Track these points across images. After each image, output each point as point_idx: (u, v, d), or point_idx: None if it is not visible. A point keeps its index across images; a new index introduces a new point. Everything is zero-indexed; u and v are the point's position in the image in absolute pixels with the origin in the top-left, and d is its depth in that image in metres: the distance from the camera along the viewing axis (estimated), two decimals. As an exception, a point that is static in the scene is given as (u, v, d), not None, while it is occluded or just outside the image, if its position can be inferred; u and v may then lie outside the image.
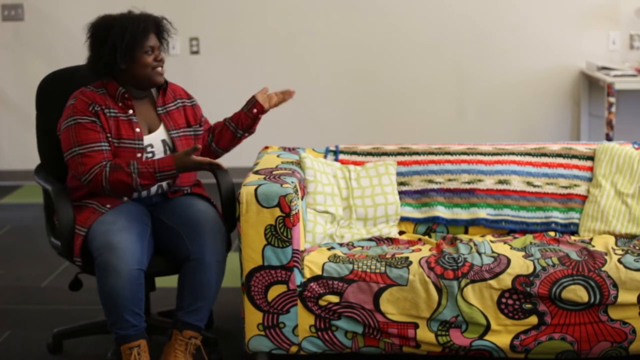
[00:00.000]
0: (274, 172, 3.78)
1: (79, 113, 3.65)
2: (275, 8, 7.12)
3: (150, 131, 3.79)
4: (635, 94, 6.97)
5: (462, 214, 4.12)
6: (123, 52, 3.65)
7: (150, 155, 3.74)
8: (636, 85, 6.50)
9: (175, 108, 3.89)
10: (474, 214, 4.11)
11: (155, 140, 3.78)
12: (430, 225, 4.14)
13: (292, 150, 4.30)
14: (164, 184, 3.81)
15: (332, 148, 4.34)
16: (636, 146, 4.25)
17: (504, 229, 4.10)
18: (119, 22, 3.68)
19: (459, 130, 7.17)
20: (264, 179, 3.66)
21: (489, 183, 4.14)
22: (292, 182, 3.64)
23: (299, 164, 4.03)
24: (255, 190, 3.54)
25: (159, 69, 3.75)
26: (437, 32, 7.10)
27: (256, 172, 3.80)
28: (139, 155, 3.68)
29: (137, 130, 3.72)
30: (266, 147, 4.35)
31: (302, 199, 3.78)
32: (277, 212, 3.52)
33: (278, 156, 4.14)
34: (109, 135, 3.66)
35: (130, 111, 3.73)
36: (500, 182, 4.15)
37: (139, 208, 3.77)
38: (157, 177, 3.57)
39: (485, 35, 7.07)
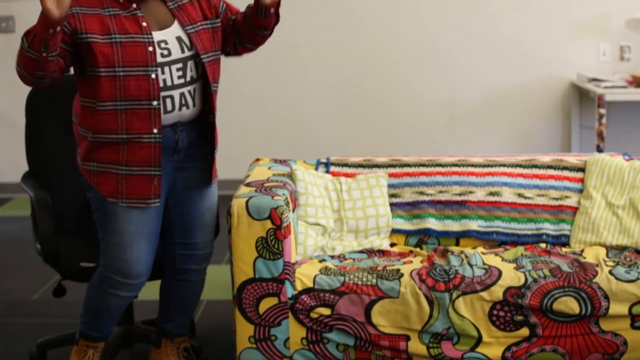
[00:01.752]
0: (265, 185, 3.77)
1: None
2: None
3: (161, 29, 3.40)
4: (625, 106, 6.99)
5: (454, 226, 4.12)
6: None
7: (165, 52, 3.35)
8: (626, 97, 6.52)
9: (188, 1, 3.49)
10: (465, 225, 4.11)
11: (169, 37, 3.39)
12: (422, 237, 4.14)
13: (283, 162, 4.29)
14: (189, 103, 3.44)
15: (323, 160, 4.34)
16: (627, 157, 4.25)
17: (495, 241, 4.10)
18: None
19: (450, 142, 7.18)
20: (255, 191, 3.65)
21: (480, 195, 4.14)
22: (284, 194, 3.64)
23: (290, 176, 4.02)
24: (247, 202, 3.53)
25: None
26: (428, 44, 7.11)
27: (247, 185, 3.79)
28: (150, 49, 3.31)
29: (144, 24, 3.34)
30: (257, 160, 4.34)
31: (293, 211, 3.77)
32: (268, 224, 3.51)
33: (269, 168, 4.13)
34: (79, 35, 3.25)
35: (134, 5, 3.35)
36: (491, 193, 4.15)
37: (158, 208, 3.49)
38: (38, 36, 3.07)
39: (475, 47, 7.08)
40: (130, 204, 3.39)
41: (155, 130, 3.34)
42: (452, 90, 7.16)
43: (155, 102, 3.32)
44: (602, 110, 6.38)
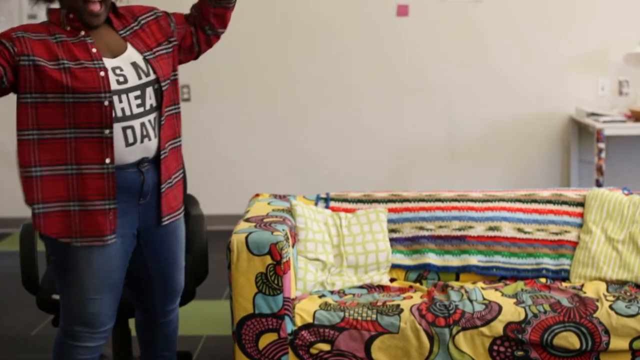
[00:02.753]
0: (265, 220, 3.77)
1: None
2: (264, 56, 7.15)
3: (114, 56, 3.19)
4: (624, 140, 7.00)
5: (453, 261, 4.12)
6: None
7: (121, 79, 3.13)
8: (625, 131, 6.53)
9: (139, 28, 3.30)
10: (465, 260, 4.11)
11: (124, 63, 3.17)
12: (422, 272, 4.14)
13: (282, 197, 4.30)
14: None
15: (323, 195, 4.34)
16: (626, 192, 4.26)
17: (495, 276, 4.10)
18: None
19: (449, 177, 7.18)
20: (255, 226, 3.65)
21: (479, 230, 4.14)
22: (283, 229, 3.64)
23: (289, 211, 4.03)
24: (246, 238, 3.53)
25: (93, 6, 3.14)
26: (427, 80, 7.14)
27: (247, 220, 3.79)
28: (102, 74, 3.08)
29: (94, 50, 3.13)
30: (257, 195, 4.35)
31: (293, 247, 3.77)
32: (268, 259, 3.51)
33: (269, 204, 4.13)
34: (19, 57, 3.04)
35: (82, 32, 3.15)
36: (491, 228, 4.15)
37: (122, 253, 3.25)
38: None
39: (474, 82, 7.11)
40: (85, 242, 3.14)
41: (107, 161, 3.11)
42: (452, 125, 7.17)
43: (107, 131, 3.09)
44: (601, 145, 6.39)
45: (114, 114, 3.10)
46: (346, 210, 4.24)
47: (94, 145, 3.09)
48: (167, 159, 3.30)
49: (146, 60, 3.22)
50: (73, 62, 3.07)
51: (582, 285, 3.93)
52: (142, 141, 3.18)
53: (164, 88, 3.25)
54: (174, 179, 3.37)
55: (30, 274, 3.78)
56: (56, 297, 3.68)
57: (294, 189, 6.76)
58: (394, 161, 7.24)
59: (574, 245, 4.13)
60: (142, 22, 3.32)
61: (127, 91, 3.14)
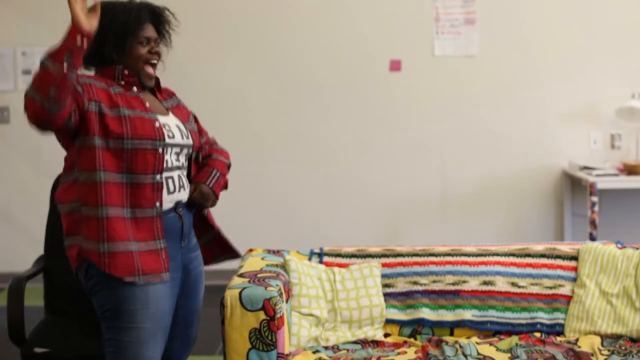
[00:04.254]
0: (259, 275, 3.77)
1: None
2: (256, 111, 7.18)
3: (162, 115, 3.42)
4: (617, 193, 7.02)
5: (447, 316, 4.11)
6: (112, 42, 3.32)
7: (170, 134, 3.33)
8: (618, 185, 6.55)
9: (175, 105, 3.57)
10: (459, 315, 4.10)
11: (170, 122, 3.40)
12: (416, 327, 4.12)
13: (276, 252, 4.29)
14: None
15: (317, 250, 4.34)
16: (619, 245, 4.26)
17: (490, 330, 4.09)
18: (111, 8, 3.32)
19: (443, 231, 7.18)
20: (249, 282, 3.65)
21: (473, 284, 4.14)
22: (277, 285, 3.63)
23: (283, 266, 4.02)
24: (240, 293, 3.53)
25: (153, 62, 3.40)
26: (419, 135, 7.17)
27: (240, 275, 3.79)
28: (157, 125, 3.29)
29: (147, 104, 3.35)
30: (250, 250, 4.35)
31: (286, 302, 3.76)
32: (262, 315, 3.50)
33: (262, 259, 4.13)
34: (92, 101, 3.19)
35: (135, 88, 3.36)
36: (485, 283, 4.14)
37: (171, 297, 3.35)
38: (64, 45, 2.97)
39: (467, 137, 7.14)
40: (146, 280, 3.22)
41: (157, 204, 3.28)
42: (445, 179, 7.19)
43: (158, 177, 3.28)
44: (594, 198, 6.41)
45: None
46: (340, 265, 4.23)
47: (147, 190, 3.26)
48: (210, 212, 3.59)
49: (186, 128, 3.46)
50: (131, 111, 3.26)
51: (577, 340, 3.92)
52: (179, 191, 3.39)
53: (193, 157, 3.55)
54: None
55: (17, 327, 3.81)
56: (39, 350, 3.78)
57: (287, 244, 6.76)
58: (387, 216, 7.24)
59: (568, 299, 4.12)
60: (175, 102, 3.58)
61: (172, 146, 3.36)
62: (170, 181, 3.35)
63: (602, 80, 7.04)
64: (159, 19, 3.45)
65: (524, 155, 7.14)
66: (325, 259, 4.28)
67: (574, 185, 7.07)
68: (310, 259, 4.28)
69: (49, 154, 6.82)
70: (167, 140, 3.31)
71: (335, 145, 7.21)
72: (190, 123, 3.53)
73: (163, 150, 3.29)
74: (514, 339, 3.93)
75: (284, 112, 7.18)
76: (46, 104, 2.96)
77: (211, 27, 6.99)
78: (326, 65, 7.13)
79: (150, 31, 3.38)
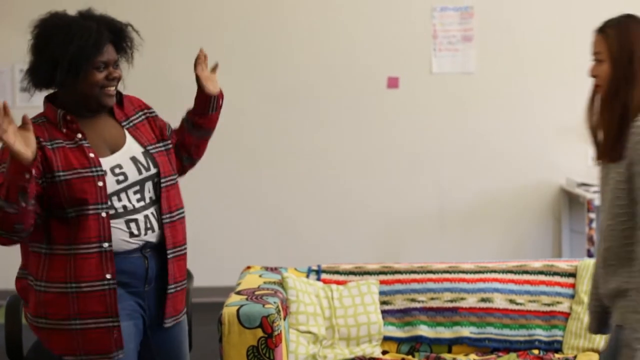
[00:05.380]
0: (256, 293, 3.77)
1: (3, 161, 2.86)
2: (254, 129, 7.18)
3: (113, 151, 3.06)
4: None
5: (445, 333, 4.10)
6: (65, 68, 2.94)
7: (121, 177, 3.00)
8: (616, 201, 6.55)
9: (139, 121, 3.19)
10: (457, 332, 4.10)
11: (124, 159, 3.04)
12: (414, 344, 4.12)
13: (274, 270, 4.29)
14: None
15: (314, 267, 4.34)
16: (617, 263, 4.26)
17: (488, 347, 4.08)
18: (65, 27, 2.99)
19: (440, 248, 7.18)
20: (246, 299, 3.64)
21: (471, 301, 4.14)
22: (275, 302, 3.63)
23: (281, 283, 4.02)
24: (237, 310, 3.52)
25: (110, 89, 3.03)
26: (418, 150, 7.17)
27: (238, 293, 3.78)
28: (100, 184, 2.93)
29: (91, 155, 2.97)
30: (248, 267, 4.35)
31: (284, 319, 3.76)
32: (260, 332, 3.50)
33: (260, 276, 4.13)
34: (52, 172, 2.92)
35: (79, 135, 3.00)
36: (483, 300, 4.14)
37: (134, 336, 3.07)
38: (7, 176, 2.75)
39: (465, 152, 7.14)
40: None
41: (108, 276, 2.95)
42: (442, 196, 7.19)
43: (106, 244, 2.95)
44: (592, 215, 6.41)
45: (114, 211, 2.98)
46: (338, 282, 4.23)
47: (92, 261, 2.94)
48: (174, 260, 3.15)
49: (147, 154, 3.11)
50: (69, 172, 2.93)
51: (575, 357, 3.92)
52: (145, 233, 3.05)
53: (162, 185, 3.12)
54: (180, 284, 3.19)
55: (14, 344, 3.80)
56: None
57: (284, 261, 6.74)
58: (385, 232, 7.24)
59: (566, 316, 4.12)
60: (142, 117, 3.21)
61: (127, 189, 3.03)
62: (132, 224, 3.02)
63: (599, 97, 7.04)
64: (119, 36, 3.09)
65: (522, 171, 7.13)
66: (323, 276, 4.28)
67: (571, 202, 7.07)
68: (308, 276, 4.28)
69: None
70: (117, 187, 3.00)
71: (333, 161, 7.21)
72: (155, 144, 3.17)
73: (108, 212, 2.95)
74: (512, 356, 3.92)
75: (282, 128, 7.19)
76: (15, 237, 2.88)
77: (207, 41, 6.99)
78: (324, 82, 7.14)
79: (108, 54, 3.03)
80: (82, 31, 2.96)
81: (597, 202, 6.41)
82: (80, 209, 2.92)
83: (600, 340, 3.96)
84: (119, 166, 3.02)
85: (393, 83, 7.08)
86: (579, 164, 7.09)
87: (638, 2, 7.03)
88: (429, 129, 7.16)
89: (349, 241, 7.22)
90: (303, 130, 7.18)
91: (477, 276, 4.21)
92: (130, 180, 3.03)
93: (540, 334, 4.08)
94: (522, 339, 4.07)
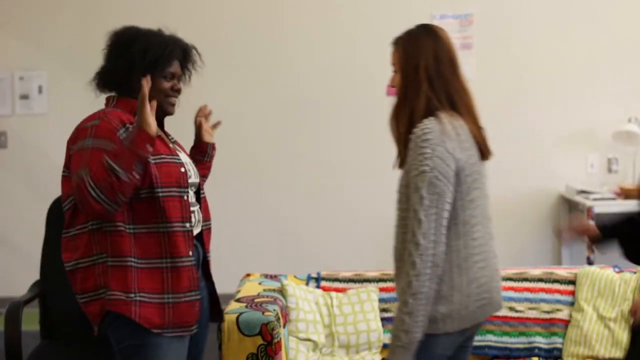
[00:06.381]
0: (256, 300, 3.76)
1: (101, 137, 3.06)
2: (253, 135, 7.19)
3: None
4: (614, 217, 7.01)
5: (445, 340, 4.09)
6: (140, 71, 3.21)
7: (190, 173, 3.28)
8: (615, 208, 6.54)
9: (174, 140, 3.45)
10: (457, 340, 4.09)
11: (187, 160, 3.35)
12: (413, 351, 4.11)
13: (273, 277, 4.29)
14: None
15: (314, 275, 4.34)
16: (617, 270, 4.26)
17: (487, 355, 4.08)
18: (144, 37, 3.28)
19: (440, 255, 7.17)
20: (246, 306, 3.64)
21: (471, 309, 4.13)
22: (274, 309, 3.63)
23: (280, 291, 4.02)
24: (237, 318, 3.52)
25: (173, 99, 3.33)
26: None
27: (238, 300, 3.78)
28: (182, 170, 3.20)
29: (171, 145, 3.30)
30: (248, 275, 4.35)
31: (284, 327, 3.75)
32: (259, 340, 3.49)
33: (260, 284, 4.13)
34: None
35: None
36: (483, 307, 4.13)
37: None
38: (129, 145, 2.98)
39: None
40: (174, 333, 3.12)
41: (190, 253, 3.17)
42: (442, 203, 7.18)
43: (188, 224, 3.18)
44: (592, 222, 6.40)
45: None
46: (337, 290, 4.23)
47: (180, 238, 3.15)
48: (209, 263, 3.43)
49: (192, 164, 3.39)
50: (156, 157, 3.13)
51: (575, 364, 3.92)
52: (196, 225, 3.29)
53: (201, 195, 3.39)
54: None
55: (14, 350, 3.80)
56: None
57: (284, 268, 6.73)
58: (386, 239, 7.20)
59: (566, 323, 4.12)
60: (173, 137, 3.44)
61: (192, 185, 3.28)
62: (193, 216, 3.26)
63: (598, 104, 7.04)
64: (185, 57, 3.41)
65: (521, 179, 7.13)
66: (323, 283, 4.28)
67: (571, 209, 7.06)
68: (307, 284, 4.28)
69: (46, 178, 6.81)
70: (189, 181, 3.25)
71: (333, 168, 7.20)
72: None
73: (187, 196, 3.21)
74: (512, 363, 3.92)
75: (281, 135, 7.19)
76: (114, 207, 2.99)
77: (207, 49, 7.00)
78: (324, 89, 7.14)
79: (176, 67, 3.34)
80: (160, 43, 3.27)
81: (597, 209, 6.42)
82: (169, 190, 3.14)
83: (600, 348, 3.96)
84: (187, 163, 3.30)
85: (393, 91, 7.08)
86: (578, 171, 7.09)
87: (633, 9, 7.05)
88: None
89: (349, 248, 7.21)
90: (303, 137, 7.18)
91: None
92: (193, 179, 3.30)
93: (540, 341, 4.08)
94: (521, 346, 4.07)
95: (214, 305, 3.39)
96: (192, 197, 3.27)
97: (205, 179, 3.67)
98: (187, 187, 3.20)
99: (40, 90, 7.07)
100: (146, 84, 3.03)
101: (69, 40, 7.04)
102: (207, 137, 3.69)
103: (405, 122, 2.97)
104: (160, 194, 3.11)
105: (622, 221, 3.42)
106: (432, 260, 2.81)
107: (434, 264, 2.80)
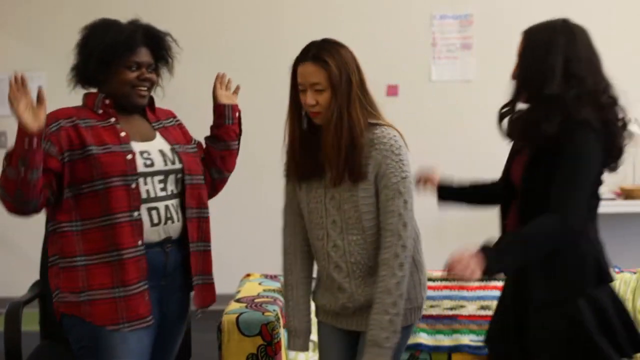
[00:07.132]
0: (256, 300, 3.76)
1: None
2: (251, 134, 7.18)
3: (144, 141, 3.28)
4: (615, 218, 7.01)
5: (445, 341, 4.10)
6: (97, 62, 3.19)
7: (148, 162, 3.20)
8: (616, 209, 6.54)
9: (171, 125, 3.44)
10: (457, 340, 4.09)
11: (152, 149, 3.26)
12: (413, 352, 4.11)
13: (273, 277, 4.28)
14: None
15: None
16: (617, 270, 4.26)
17: (486, 355, 4.07)
18: (106, 27, 3.25)
19: (439, 256, 7.15)
20: (246, 307, 3.64)
21: (471, 309, 4.13)
22: (274, 310, 3.62)
23: (280, 291, 4.01)
24: (237, 318, 3.52)
25: (142, 89, 3.26)
26: (416, 157, 7.11)
27: (238, 300, 3.78)
28: (129, 157, 3.14)
29: (122, 134, 3.19)
30: (248, 275, 4.34)
31: (284, 327, 3.75)
32: (259, 340, 3.49)
33: (260, 284, 4.12)
34: (63, 154, 3.11)
35: (112, 119, 3.22)
36: (483, 307, 4.13)
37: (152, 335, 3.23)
38: (15, 150, 2.95)
39: (464, 160, 7.13)
40: (131, 327, 3.12)
41: (139, 242, 3.14)
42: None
43: (136, 213, 3.13)
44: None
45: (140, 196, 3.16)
46: (337, 290, 4.22)
47: (127, 228, 3.12)
48: (197, 253, 3.39)
49: (174, 151, 3.31)
50: (101, 147, 3.13)
51: (575, 365, 3.90)
52: (165, 222, 3.23)
53: (186, 182, 3.30)
54: (206, 277, 3.47)
55: (14, 351, 3.79)
56: None
57: (284, 268, 6.74)
58: (385, 240, 7.22)
59: (567, 324, 4.10)
60: (173, 122, 3.46)
61: (153, 174, 3.22)
62: (154, 212, 3.20)
63: (598, 105, 7.05)
64: (158, 44, 3.31)
65: (521, 179, 7.13)
66: (323, 283, 4.26)
67: (570, 210, 7.05)
68: (307, 284, 4.26)
69: (46, 179, 6.81)
70: (144, 169, 3.18)
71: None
72: (183, 145, 3.39)
73: (137, 184, 3.15)
74: (512, 364, 3.91)
75: (282, 135, 7.18)
76: (18, 205, 3.02)
77: (208, 49, 7.00)
78: (323, 89, 7.15)
79: (143, 56, 3.25)
80: (117, 30, 3.22)
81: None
82: (110, 181, 3.10)
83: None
84: (147, 152, 3.22)
85: (392, 91, 7.09)
86: (578, 171, 7.08)
87: (633, 9, 7.05)
88: (428, 137, 7.15)
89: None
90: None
91: (476, 284, 4.20)
92: (156, 167, 3.22)
93: (540, 341, 4.07)
94: (521, 346, 4.06)
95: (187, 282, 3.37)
96: (153, 186, 3.20)
97: (234, 144, 3.62)
98: (135, 175, 3.15)
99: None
100: (14, 81, 3.00)
101: (69, 41, 7.02)
102: (223, 99, 3.59)
103: (347, 137, 3.20)
104: (102, 186, 3.10)
105: (463, 188, 3.92)
106: (411, 262, 3.09)
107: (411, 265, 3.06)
